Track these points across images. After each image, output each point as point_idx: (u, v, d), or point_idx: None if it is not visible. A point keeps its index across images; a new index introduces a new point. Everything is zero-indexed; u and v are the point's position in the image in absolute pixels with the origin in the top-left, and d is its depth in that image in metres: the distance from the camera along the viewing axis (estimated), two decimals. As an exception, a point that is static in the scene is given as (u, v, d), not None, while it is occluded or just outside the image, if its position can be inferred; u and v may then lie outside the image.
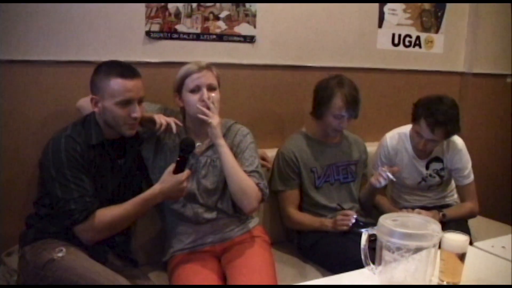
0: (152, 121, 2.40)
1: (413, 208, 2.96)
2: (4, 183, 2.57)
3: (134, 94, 2.21)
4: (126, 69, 2.23)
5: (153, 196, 2.20)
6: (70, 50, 2.63)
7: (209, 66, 2.45)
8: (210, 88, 2.41)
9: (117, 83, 2.18)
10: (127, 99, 2.19)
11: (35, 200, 2.33)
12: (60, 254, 2.14)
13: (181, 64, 2.48)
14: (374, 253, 1.73)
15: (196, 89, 2.40)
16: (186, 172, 2.21)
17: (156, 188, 2.20)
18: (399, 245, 1.62)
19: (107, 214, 2.16)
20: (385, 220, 1.68)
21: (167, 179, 2.20)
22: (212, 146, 2.48)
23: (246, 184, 2.38)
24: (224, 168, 2.38)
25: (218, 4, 2.97)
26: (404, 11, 3.67)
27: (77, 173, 2.16)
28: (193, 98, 2.39)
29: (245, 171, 2.41)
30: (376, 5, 3.55)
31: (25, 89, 2.57)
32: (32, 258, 2.20)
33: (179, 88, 2.45)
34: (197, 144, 2.46)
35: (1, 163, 2.56)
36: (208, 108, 2.36)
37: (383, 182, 2.74)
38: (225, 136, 2.45)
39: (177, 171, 2.19)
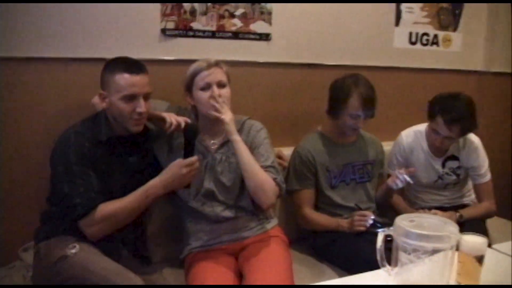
0: (163, 120, 2.40)
1: (429, 208, 2.94)
2: (20, 179, 2.60)
3: (139, 89, 2.21)
4: (132, 64, 2.23)
5: (154, 186, 2.19)
6: (85, 47, 2.64)
7: (218, 63, 2.45)
8: (220, 85, 2.40)
9: (122, 78, 2.19)
10: (131, 94, 2.20)
11: (48, 197, 2.33)
12: (73, 251, 2.14)
13: (194, 71, 2.46)
14: (390, 254, 1.71)
15: (206, 87, 2.39)
16: (194, 158, 2.19)
17: (157, 178, 2.20)
18: (415, 247, 1.59)
19: (108, 207, 2.15)
20: (402, 221, 1.66)
21: (168, 168, 2.20)
22: (226, 143, 2.47)
23: (263, 179, 2.37)
24: (241, 164, 2.37)
25: (234, 2, 2.96)
26: (422, 9, 3.62)
27: (84, 169, 2.17)
28: (204, 96, 2.39)
29: (261, 166, 2.40)
30: (392, 3, 3.52)
31: (40, 86, 2.59)
32: (46, 255, 2.20)
33: (189, 87, 2.46)
34: (211, 141, 2.48)
35: (16, 159, 2.58)
36: (218, 110, 2.36)
37: (400, 184, 2.72)
38: (239, 131, 2.44)
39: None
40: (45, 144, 2.45)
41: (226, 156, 2.47)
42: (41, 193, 2.42)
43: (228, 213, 2.45)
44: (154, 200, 2.24)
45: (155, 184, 2.19)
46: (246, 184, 2.40)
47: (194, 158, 2.19)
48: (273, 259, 2.39)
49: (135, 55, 2.34)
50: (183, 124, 2.39)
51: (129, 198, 2.18)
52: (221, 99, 2.37)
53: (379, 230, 1.79)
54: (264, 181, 2.37)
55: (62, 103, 2.63)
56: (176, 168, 2.17)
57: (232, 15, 2.97)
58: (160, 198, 2.26)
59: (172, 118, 2.39)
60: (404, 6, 3.55)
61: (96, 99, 2.39)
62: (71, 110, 2.60)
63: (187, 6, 2.85)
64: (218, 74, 2.41)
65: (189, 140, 2.23)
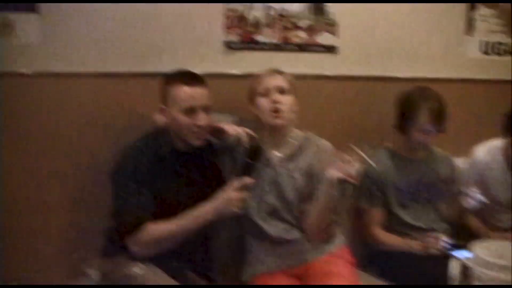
0: (223, 131, 2.36)
1: (506, 229, 2.80)
2: (86, 194, 2.62)
3: (198, 101, 2.20)
4: (190, 77, 2.24)
5: (204, 211, 2.13)
6: (148, 61, 2.66)
7: (279, 71, 2.43)
8: (280, 91, 2.36)
9: (180, 91, 2.19)
10: (190, 107, 2.19)
11: (112, 213, 2.32)
12: (136, 270, 2.13)
13: (255, 77, 2.46)
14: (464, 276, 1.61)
15: (265, 93, 2.36)
16: (246, 181, 2.11)
17: (207, 203, 2.14)
18: (493, 277, 1.48)
19: (157, 228, 2.13)
20: (479, 249, 1.55)
21: (220, 192, 2.13)
22: (291, 157, 2.41)
23: (325, 221, 2.34)
24: (319, 201, 2.29)
25: (299, 13, 2.90)
26: (496, 16, 3.46)
27: (138, 185, 2.15)
28: (263, 102, 2.36)
29: None
30: (463, 11, 3.37)
31: (104, 101, 2.62)
32: (109, 273, 2.21)
33: (251, 95, 2.43)
34: (274, 153, 2.42)
35: (83, 173, 2.61)
36: (277, 111, 2.32)
37: (474, 204, 2.61)
38: (303, 149, 2.39)
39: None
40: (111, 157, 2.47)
41: (289, 171, 2.40)
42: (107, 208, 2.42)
43: (292, 235, 2.38)
44: (205, 225, 2.17)
45: (204, 209, 2.13)
46: (310, 214, 2.35)
47: (246, 181, 2.11)
48: (338, 280, 2.30)
49: (198, 69, 2.34)
50: (244, 134, 2.33)
51: (179, 221, 2.14)
52: (282, 106, 2.33)
53: (453, 252, 1.70)
54: (324, 224, 2.36)
55: (126, 117, 2.64)
56: (226, 191, 2.11)
57: (297, 27, 2.92)
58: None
59: (232, 129, 2.35)
60: (476, 13, 3.40)
61: (157, 115, 2.38)
62: (135, 124, 2.59)
63: (251, 18, 2.81)
64: (279, 80, 2.39)
65: (249, 160, 2.16)
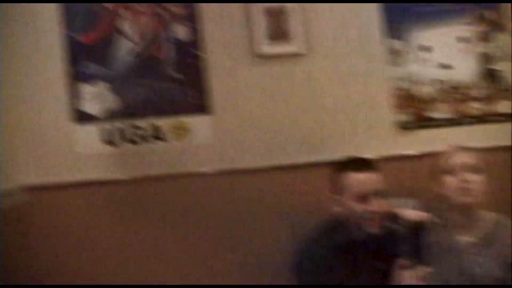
0: (400, 217, 2.23)
1: None
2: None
3: (369, 187, 2.18)
4: (359, 163, 2.25)
5: None
6: (318, 150, 2.66)
7: (467, 147, 2.31)
8: (469, 169, 2.21)
9: (349, 177, 2.20)
10: (362, 193, 2.17)
11: None
12: None
13: (438, 154, 2.34)
14: None
15: (453, 171, 2.22)
16: (420, 270, 2.01)
17: None
18: None
19: None
20: None
21: (399, 281, 2.04)
22: (484, 243, 2.22)
23: None
24: None
25: (471, 84, 2.79)
26: None
27: (320, 278, 2.13)
28: (451, 180, 2.22)
29: None
30: None
31: (277, 193, 2.62)
32: None
33: (435, 174, 2.30)
34: (463, 238, 2.24)
35: (261, 267, 2.59)
36: (467, 190, 2.17)
37: None
38: (496, 235, 2.21)
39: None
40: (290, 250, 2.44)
41: (481, 259, 2.20)
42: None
43: None
44: None
45: None
46: None
47: (426, 269, 2.02)
48: None
49: (369, 152, 2.38)
50: (422, 219, 2.18)
51: None
52: (472, 185, 2.18)
53: None
54: None
55: (297, 209, 2.62)
56: (406, 279, 2.02)
57: (472, 98, 2.79)
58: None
59: (409, 213, 2.22)
60: None
61: (333, 204, 2.34)
62: (308, 214, 2.56)
63: (422, 94, 2.75)
64: (467, 157, 2.25)
65: (428, 246, 2.07)
